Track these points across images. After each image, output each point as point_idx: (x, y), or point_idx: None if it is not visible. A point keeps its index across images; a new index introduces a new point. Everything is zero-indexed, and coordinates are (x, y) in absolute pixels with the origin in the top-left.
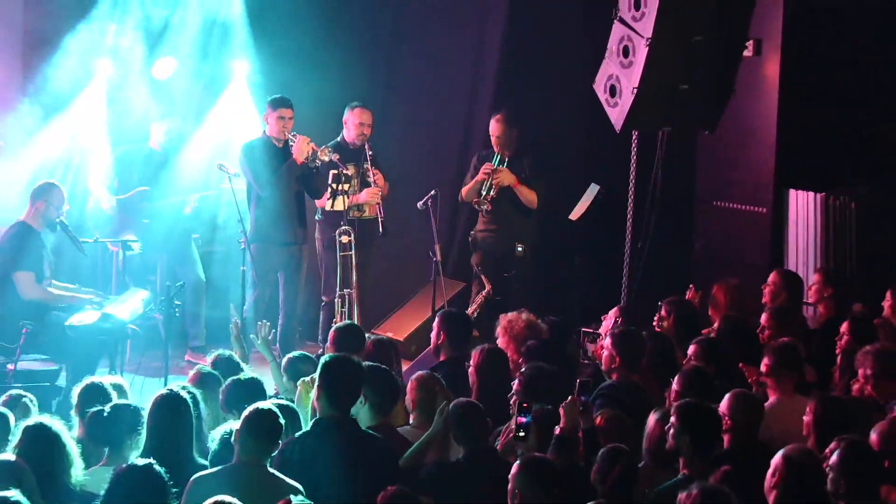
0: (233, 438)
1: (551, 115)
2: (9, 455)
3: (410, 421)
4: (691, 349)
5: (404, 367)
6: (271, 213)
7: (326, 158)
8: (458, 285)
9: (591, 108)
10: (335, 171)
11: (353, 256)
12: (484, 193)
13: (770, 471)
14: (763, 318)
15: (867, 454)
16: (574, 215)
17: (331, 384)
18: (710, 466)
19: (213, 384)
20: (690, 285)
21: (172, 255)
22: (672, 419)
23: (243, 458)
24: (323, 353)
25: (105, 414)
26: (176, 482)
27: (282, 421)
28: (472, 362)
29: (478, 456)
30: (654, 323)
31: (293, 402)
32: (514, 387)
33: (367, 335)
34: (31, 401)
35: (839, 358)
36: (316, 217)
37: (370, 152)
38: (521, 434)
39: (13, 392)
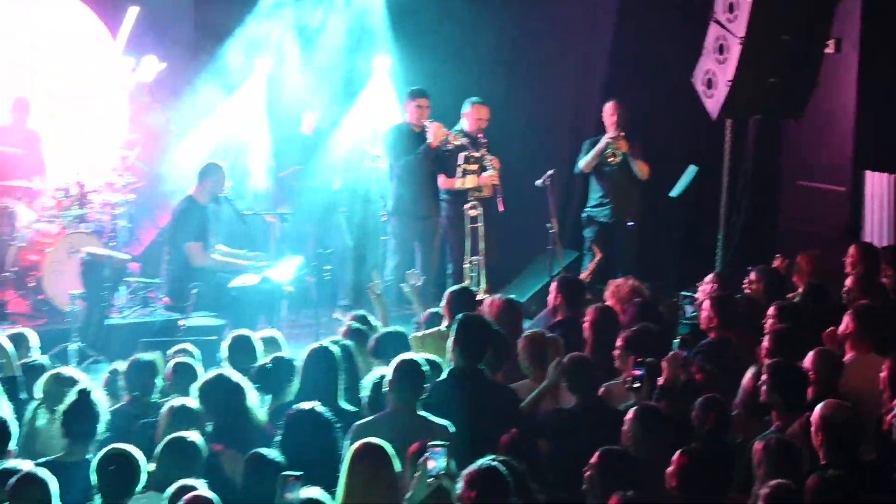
0: (386, 387)
1: (655, 105)
2: (191, 401)
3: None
4: (770, 310)
5: (525, 325)
6: (409, 190)
7: (457, 143)
8: (571, 253)
9: (690, 98)
10: (465, 154)
11: (480, 228)
12: (609, 153)
13: (812, 428)
14: (848, 281)
15: None
16: (675, 192)
17: (464, 339)
18: (798, 418)
19: (359, 338)
20: (777, 255)
21: (322, 226)
22: (764, 377)
23: (398, 404)
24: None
25: (269, 366)
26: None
27: (426, 368)
28: (587, 319)
29: (588, 404)
30: (745, 287)
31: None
32: (618, 343)
33: (493, 297)
34: (195, 354)
35: None
36: (441, 196)
37: (484, 140)
38: (636, 385)
39: (182, 347)
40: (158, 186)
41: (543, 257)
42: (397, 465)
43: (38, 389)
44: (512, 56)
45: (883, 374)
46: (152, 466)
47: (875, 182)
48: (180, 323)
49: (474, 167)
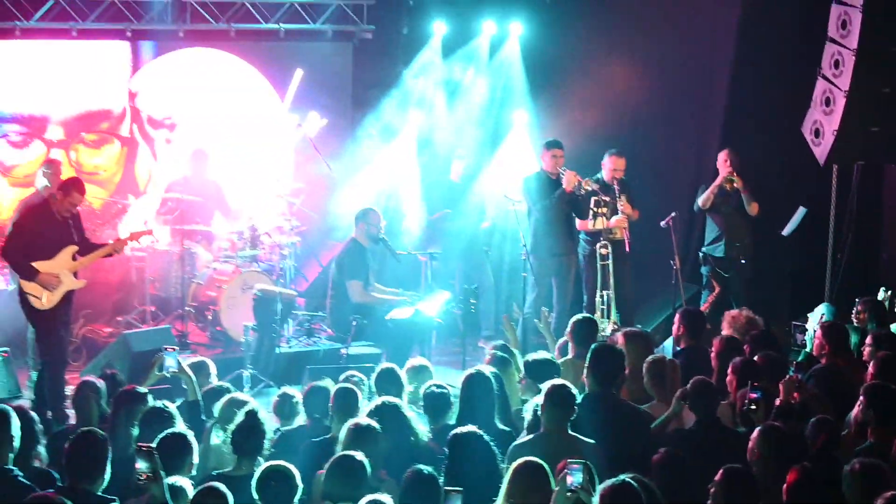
0: (539, 411)
1: (768, 152)
2: (368, 420)
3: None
4: (868, 339)
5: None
6: (546, 231)
7: (589, 188)
8: (692, 287)
9: (800, 147)
10: (596, 198)
11: (611, 265)
12: (728, 187)
13: None
14: None
15: None
16: (786, 231)
17: (597, 366)
18: (892, 435)
19: (503, 364)
20: (881, 287)
21: (468, 264)
22: (861, 397)
23: (549, 426)
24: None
25: (436, 391)
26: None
27: (574, 392)
28: (713, 350)
29: (707, 423)
30: (853, 318)
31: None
32: (730, 368)
33: (624, 328)
34: (362, 380)
35: None
36: (582, 236)
37: (618, 188)
38: (754, 407)
39: (350, 373)
40: (321, 230)
41: (667, 291)
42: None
43: (216, 411)
44: (638, 107)
45: None
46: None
47: None
48: (342, 352)
49: (604, 210)
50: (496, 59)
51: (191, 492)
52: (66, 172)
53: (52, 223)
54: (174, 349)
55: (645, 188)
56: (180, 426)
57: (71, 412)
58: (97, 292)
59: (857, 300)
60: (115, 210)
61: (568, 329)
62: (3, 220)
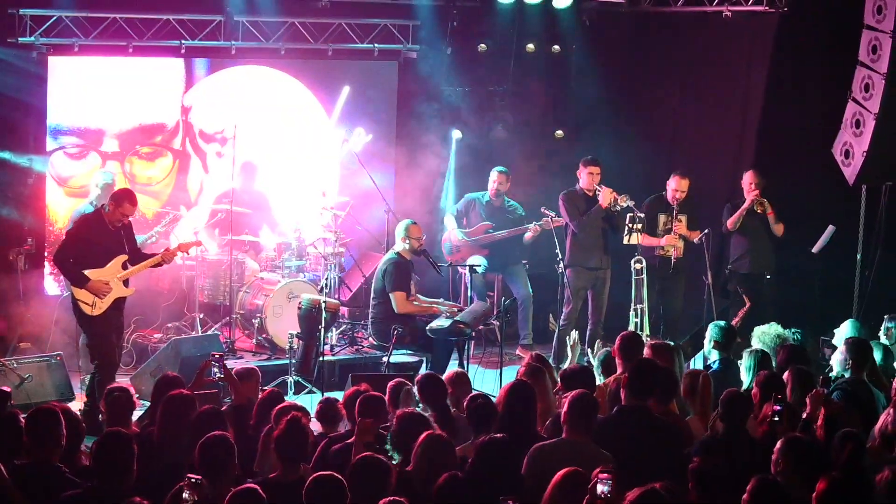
0: (561, 419)
1: (799, 172)
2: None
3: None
4: None
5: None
6: (582, 245)
7: (625, 204)
8: (723, 302)
9: (830, 167)
10: (631, 214)
11: (644, 279)
12: (758, 209)
13: None
14: None
15: None
16: (816, 249)
17: (633, 380)
18: None
19: (537, 374)
20: None
21: (507, 276)
22: (890, 409)
23: (571, 434)
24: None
25: (480, 401)
26: (526, 451)
27: (597, 401)
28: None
29: (733, 432)
30: (882, 334)
31: None
32: (755, 381)
33: (653, 340)
34: (412, 390)
35: None
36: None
37: (676, 208)
38: (777, 418)
39: (400, 380)
40: (365, 241)
41: (699, 305)
42: None
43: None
44: (675, 128)
45: None
46: None
47: None
48: (383, 360)
49: (639, 227)
50: (536, 80)
51: None
52: (121, 184)
53: (103, 233)
54: (222, 355)
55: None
56: (228, 430)
57: None
58: (148, 299)
59: (885, 316)
60: (167, 220)
61: (615, 345)
62: (59, 228)
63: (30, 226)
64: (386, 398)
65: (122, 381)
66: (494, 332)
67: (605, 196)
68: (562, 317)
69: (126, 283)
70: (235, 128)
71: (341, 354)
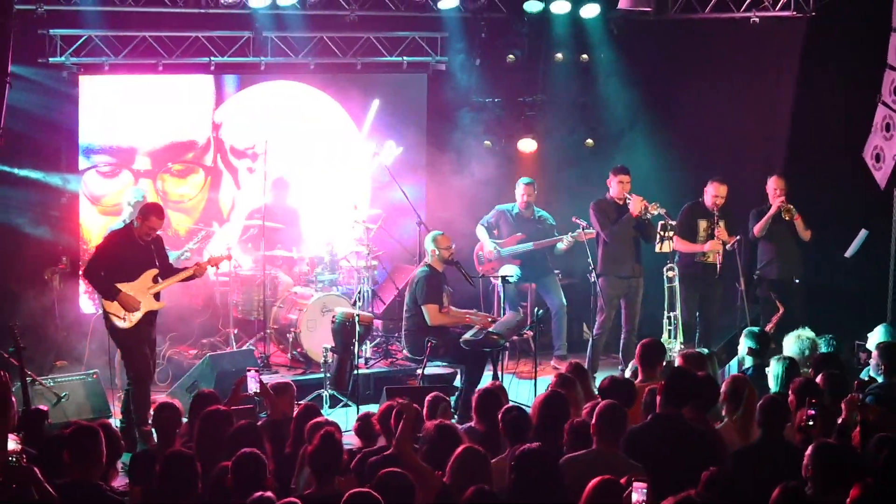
0: (591, 430)
1: (831, 176)
2: None
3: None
4: None
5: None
6: (614, 254)
7: (656, 212)
8: (755, 308)
9: (861, 171)
10: (663, 222)
11: (677, 287)
12: (786, 217)
13: None
14: None
15: None
16: (848, 253)
17: (670, 387)
18: None
19: (570, 384)
20: None
21: (540, 286)
22: None
23: (601, 445)
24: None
25: (514, 412)
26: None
27: (625, 411)
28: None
29: (770, 438)
30: None
31: None
32: (791, 387)
33: (686, 349)
34: (449, 404)
35: None
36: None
37: (717, 213)
38: (811, 423)
39: (437, 394)
40: (397, 254)
41: (733, 312)
42: None
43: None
44: (705, 139)
45: None
46: None
47: None
48: (418, 372)
49: (671, 234)
50: (565, 89)
51: None
52: (153, 201)
53: (133, 248)
54: (257, 370)
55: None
56: (264, 445)
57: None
58: (183, 315)
59: None
60: (200, 237)
61: (637, 353)
62: (93, 247)
63: (64, 245)
64: (424, 412)
65: (157, 397)
66: (528, 342)
67: (636, 204)
68: (595, 326)
69: (157, 296)
70: (266, 143)
71: (376, 367)
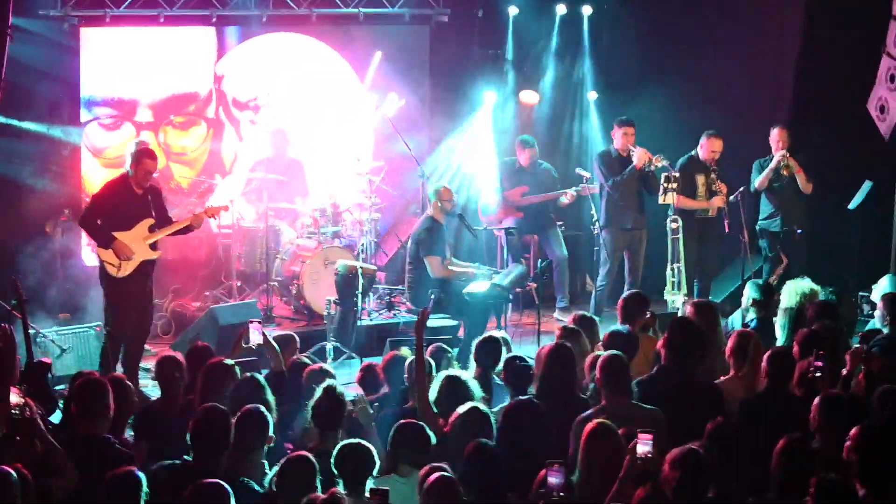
0: (598, 384)
1: (835, 128)
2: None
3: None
4: None
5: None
6: (617, 206)
7: (660, 164)
8: (758, 260)
9: (865, 122)
10: (666, 174)
11: (681, 238)
12: (785, 172)
13: None
14: None
15: None
16: (852, 205)
17: (674, 339)
18: None
19: (576, 336)
20: None
21: (542, 238)
22: None
23: (610, 397)
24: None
25: (519, 364)
26: (565, 415)
27: (627, 360)
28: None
29: (776, 390)
30: None
31: None
32: (795, 339)
33: (692, 300)
34: (452, 356)
35: None
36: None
37: (715, 168)
38: (818, 374)
39: (439, 345)
40: (400, 206)
41: (736, 263)
42: None
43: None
44: (708, 85)
45: None
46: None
47: None
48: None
49: (674, 186)
50: (567, 41)
51: None
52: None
53: (130, 197)
54: (259, 322)
55: (717, 166)
56: (268, 397)
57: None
58: (185, 268)
59: None
60: (203, 189)
61: (619, 306)
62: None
63: (66, 197)
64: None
65: (159, 349)
66: (531, 294)
67: (640, 156)
68: (598, 278)
69: (154, 247)
70: (268, 95)
71: (379, 319)
